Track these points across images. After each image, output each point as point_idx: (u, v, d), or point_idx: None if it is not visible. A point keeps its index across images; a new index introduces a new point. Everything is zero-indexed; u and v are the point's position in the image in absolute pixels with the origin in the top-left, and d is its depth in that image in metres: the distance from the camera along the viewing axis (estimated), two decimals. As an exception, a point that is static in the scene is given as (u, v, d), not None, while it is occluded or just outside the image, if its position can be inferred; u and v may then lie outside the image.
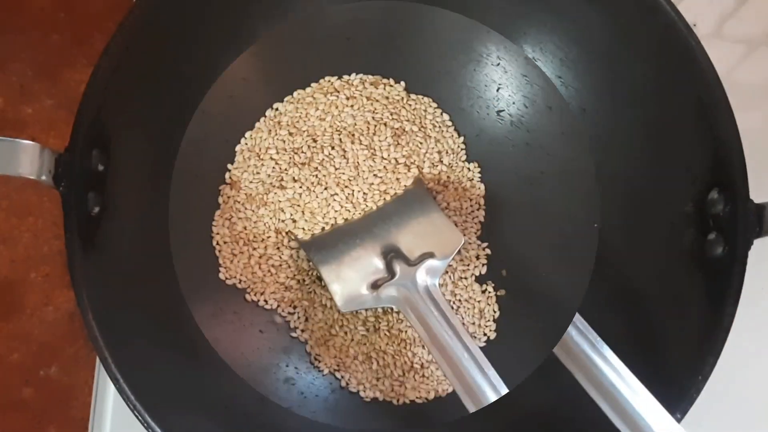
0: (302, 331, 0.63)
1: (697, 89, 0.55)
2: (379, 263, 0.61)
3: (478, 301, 0.64)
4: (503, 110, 0.67)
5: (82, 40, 0.98)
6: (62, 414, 0.96)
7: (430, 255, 0.60)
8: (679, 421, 0.50)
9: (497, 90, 0.67)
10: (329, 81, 0.66)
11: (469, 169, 0.66)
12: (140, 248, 0.58)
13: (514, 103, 0.67)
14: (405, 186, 0.64)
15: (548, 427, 0.59)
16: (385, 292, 0.59)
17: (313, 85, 0.66)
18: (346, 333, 0.63)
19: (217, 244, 0.64)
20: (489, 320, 0.65)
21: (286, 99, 0.66)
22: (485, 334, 0.64)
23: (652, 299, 0.59)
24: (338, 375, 0.63)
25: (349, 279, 0.60)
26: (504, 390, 0.52)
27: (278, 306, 0.63)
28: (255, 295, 0.63)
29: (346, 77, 0.67)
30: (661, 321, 0.57)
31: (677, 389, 0.51)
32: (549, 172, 0.66)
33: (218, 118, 0.65)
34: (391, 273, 0.60)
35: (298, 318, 0.63)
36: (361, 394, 0.63)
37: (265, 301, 0.63)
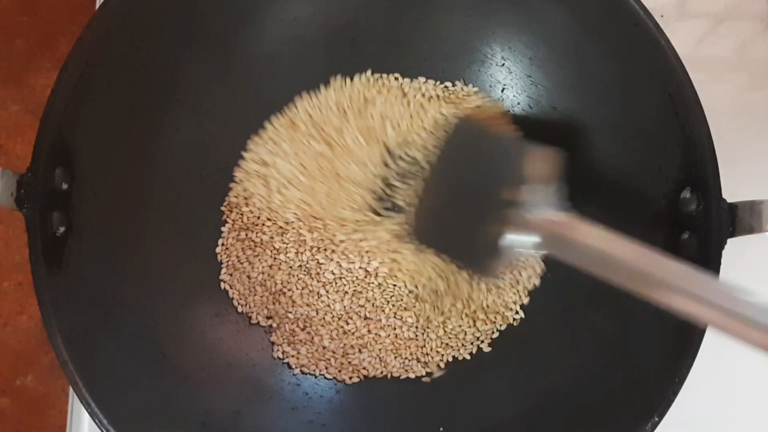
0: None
1: (667, 88, 0.55)
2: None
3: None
4: (508, 111, 0.66)
5: (47, 44, 0.97)
6: (39, 423, 0.95)
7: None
8: (656, 424, 0.50)
9: (502, 90, 0.66)
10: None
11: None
12: (109, 266, 0.57)
13: (518, 103, 0.66)
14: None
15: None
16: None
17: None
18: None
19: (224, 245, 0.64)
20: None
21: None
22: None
23: (626, 300, 0.58)
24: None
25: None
26: None
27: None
28: (247, 307, 0.64)
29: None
30: (636, 322, 0.57)
31: (654, 392, 0.51)
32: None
33: (221, 119, 0.64)
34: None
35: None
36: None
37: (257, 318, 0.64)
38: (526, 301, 0.64)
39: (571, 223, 0.50)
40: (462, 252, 0.56)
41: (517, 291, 0.64)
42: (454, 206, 0.57)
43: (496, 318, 0.64)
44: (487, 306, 0.64)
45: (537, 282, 0.65)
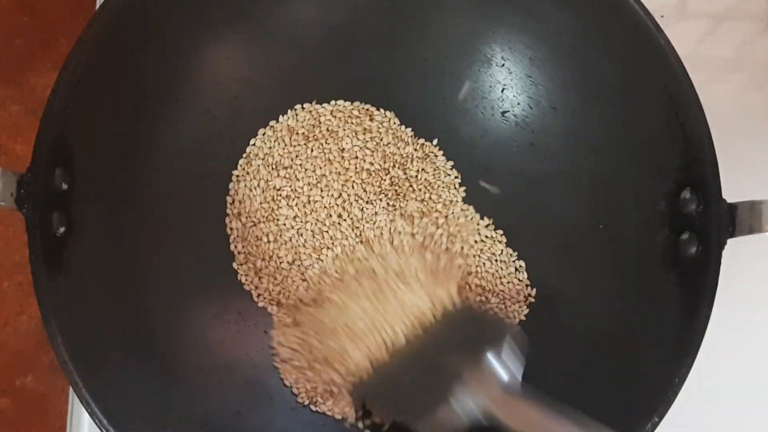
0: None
1: (667, 88, 0.55)
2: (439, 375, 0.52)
3: None
4: (508, 111, 0.66)
5: (47, 43, 0.97)
6: (39, 423, 0.95)
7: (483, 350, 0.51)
8: (656, 424, 0.50)
9: (502, 91, 0.66)
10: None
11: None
12: (109, 266, 0.57)
13: (518, 103, 0.66)
14: None
15: None
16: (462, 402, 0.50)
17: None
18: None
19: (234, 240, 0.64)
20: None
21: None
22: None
23: (626, 300, 0.59)
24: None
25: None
26: None
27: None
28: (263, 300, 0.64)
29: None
30: (635, 323, 0.57)
31: (654, 392, 0.51)
32: (554, 173, 0.65)
33: (222, 119, 0.64)
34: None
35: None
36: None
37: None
38: (525, 310, 0.64)
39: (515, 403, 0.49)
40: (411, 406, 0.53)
41: (518, 301, 0.65)
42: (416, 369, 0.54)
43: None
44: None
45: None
